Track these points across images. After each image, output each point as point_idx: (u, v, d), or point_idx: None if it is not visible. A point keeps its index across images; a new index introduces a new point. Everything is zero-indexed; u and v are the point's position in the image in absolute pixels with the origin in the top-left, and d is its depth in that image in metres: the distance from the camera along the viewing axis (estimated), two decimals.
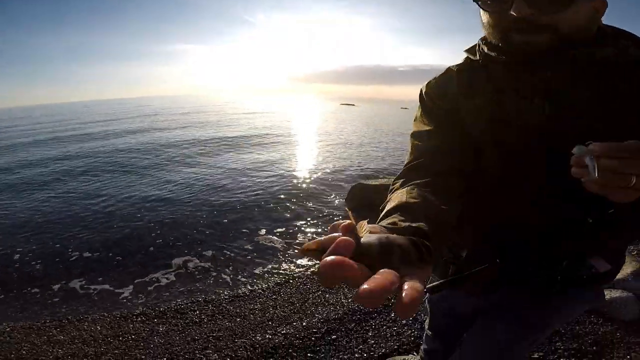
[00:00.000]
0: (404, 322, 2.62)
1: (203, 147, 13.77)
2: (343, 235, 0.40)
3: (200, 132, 19.26)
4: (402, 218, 0.57)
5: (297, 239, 5.18)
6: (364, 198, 6.27)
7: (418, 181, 0.73)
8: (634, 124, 0.68)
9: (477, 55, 0.82)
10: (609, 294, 2.49)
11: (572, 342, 2.27)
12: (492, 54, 0.77)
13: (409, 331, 2.52)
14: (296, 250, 4.73)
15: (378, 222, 0.58)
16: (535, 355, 2.15)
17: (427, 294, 1.18)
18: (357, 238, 0.40)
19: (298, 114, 38.44)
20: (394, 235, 0.44)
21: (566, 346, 2.24)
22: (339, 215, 6.24)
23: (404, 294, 0.33)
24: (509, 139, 0.78)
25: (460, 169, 0.78)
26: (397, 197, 0.67)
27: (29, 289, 3.94)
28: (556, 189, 0.75)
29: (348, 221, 0.42)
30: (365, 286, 0.31)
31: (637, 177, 0.52)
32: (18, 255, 4.79)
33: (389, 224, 0.54)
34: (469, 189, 0.80)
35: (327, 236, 0.41)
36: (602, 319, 2.46)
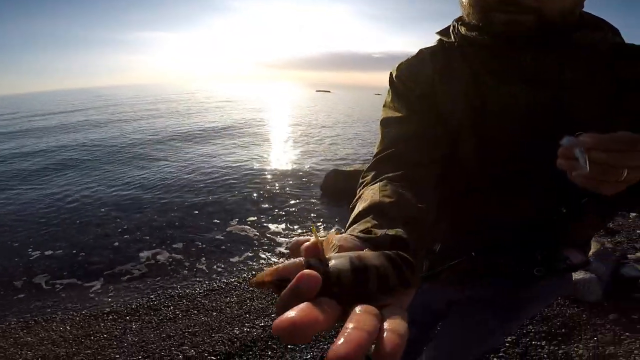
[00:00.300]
0: None
1: (169, 137, 13.36)
2: (306, 258, 0.34)
3: (168, 122, 18.67)
4: (377, 222, 0.52)
5: (271, 229, 5.15)
6: (339, 184, 6.32)
7: (390, 174, 0.67)
8: (617, 113, 0.67)
9: (452, 37, 0.78)
10: (573, 276, 2.62)
11: (542, 325, 2.37)
12: (471, 34, 0.73)
13: None
14: (276, 238, 4.71)
15: (348, 227, 0.54)
16: (508, 339, 2.24)
17: None
18: (325, 264, 0.34)
19: (272, 101, 37.85)
20: (368, 253, 0.37)
21: (537, 329, 2.34)
22: (313, 203, 6.26)
23: (384, 340, 0.27)
24: (488, 126, 0.74)
25: (435, 159, 0.73)
26: (369, 195, 0.61)
27: None
28: (534, 179, 0.74)
29: (312, 239, 0.36)
30: (338, 345, 0.25)
31: (629, 170, 0.50)
32: None
33: (361, 231, 0.49)
34: (444, 179, 0.75)
35: (286, 264, 0.34)
36: (568, 301, 2.58)
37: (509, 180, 0.77)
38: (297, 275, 0.30)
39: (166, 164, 9.06)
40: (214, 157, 9.80)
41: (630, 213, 3.72)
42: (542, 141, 0.63)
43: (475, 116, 0.74)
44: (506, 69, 0.71)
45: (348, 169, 6.82)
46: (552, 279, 0.90)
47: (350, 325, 0.27)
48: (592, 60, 0.69)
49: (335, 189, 6.38)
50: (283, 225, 5.26)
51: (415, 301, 1.38)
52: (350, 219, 0.56)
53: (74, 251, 4.53)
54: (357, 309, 0.29)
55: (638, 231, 3.59)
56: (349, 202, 0.63)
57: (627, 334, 2.28)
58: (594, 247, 2.95)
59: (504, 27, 0.67)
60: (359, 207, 0.58)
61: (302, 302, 0.28)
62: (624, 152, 0.49)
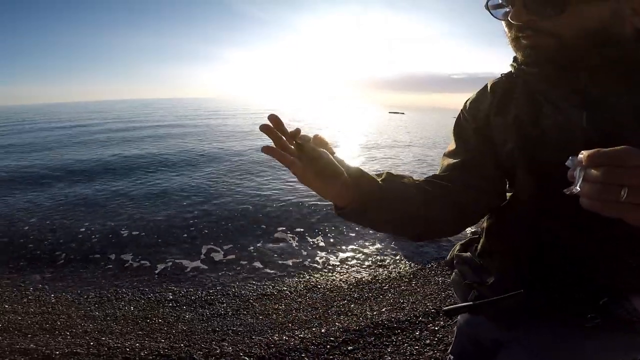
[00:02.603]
0: (427, 342, 2.47)
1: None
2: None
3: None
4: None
5: (330, 243, 5.08)
6: None
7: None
8: None
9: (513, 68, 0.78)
10: None
11: None
12: (515, 64, 0.74)
13: (431, 352, 2.36)
14: (329, 257, 4.66)
15: None
16: None
17: (446, 316, 1.11)
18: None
19: (341, 120, 37.98)
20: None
21: None
22: None
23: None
24: (543, 157, 0.69)
25: (479, 188, 0.76)
26: None
27: (85, 264, 4.27)
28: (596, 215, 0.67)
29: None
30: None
31: (630, 189, 0.42)
32: (82, 230, 5.23)
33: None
34: (499, 214, 0.78)
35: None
36: None
37: (567, 218, 0.70)
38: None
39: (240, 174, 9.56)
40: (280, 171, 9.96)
41: None
42: None
43: (529, 150, 0.71)
44: (563, 95, 0.68)
45: None
46: (613, 333, 0.77)
47: None
48: None
49: None
50: (332, 240, 5.15)
51: (464, 331, 1.27)
52: None
53: (155, 236, 4.98)
54: None
55: None
56: None
57: None
58: None
59: (530, 53, 0.67)
60: None
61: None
62: (621, 167, 0.43)
